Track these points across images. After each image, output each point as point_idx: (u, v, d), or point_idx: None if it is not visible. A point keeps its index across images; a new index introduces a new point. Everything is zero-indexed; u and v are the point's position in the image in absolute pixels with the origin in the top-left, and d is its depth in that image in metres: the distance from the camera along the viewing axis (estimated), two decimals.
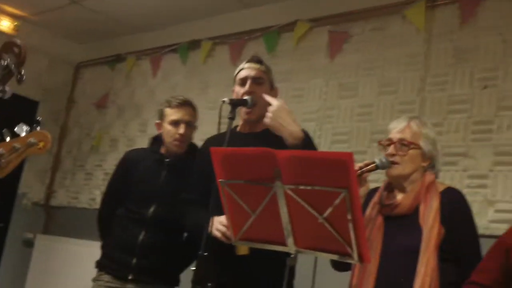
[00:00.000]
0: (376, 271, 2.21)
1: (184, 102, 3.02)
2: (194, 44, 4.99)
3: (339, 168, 1.65)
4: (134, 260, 2.91)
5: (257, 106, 2.51)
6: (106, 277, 2.98)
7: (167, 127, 3.00)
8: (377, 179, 2.59)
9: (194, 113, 3.07)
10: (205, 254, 2.11)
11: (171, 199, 2.82)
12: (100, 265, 3.07)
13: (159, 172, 3.03)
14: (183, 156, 3.02)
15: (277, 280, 1.96)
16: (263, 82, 2.59)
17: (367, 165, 2.28)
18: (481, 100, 3.32)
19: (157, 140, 3.14)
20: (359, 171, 2.25)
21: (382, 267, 2.21)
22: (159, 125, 3.08)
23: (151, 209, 2.96)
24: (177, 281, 3.06)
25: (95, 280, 3.04)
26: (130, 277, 2.90)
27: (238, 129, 2.66)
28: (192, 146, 3.10)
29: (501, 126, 3.21)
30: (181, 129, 2.96)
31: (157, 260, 2.93)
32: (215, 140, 2.58)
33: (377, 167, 2.29)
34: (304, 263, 2.14)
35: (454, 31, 3.53)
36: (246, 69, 2.60)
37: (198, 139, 2.91)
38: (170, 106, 3.01)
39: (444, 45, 3.56)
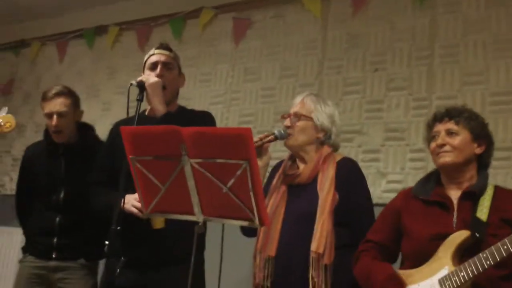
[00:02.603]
0: (279, 235, 2.41)
1: (55, 94, 3.05)
2: (101, 30, 4.99)
3: (239, 142, 1.82)
4: (55, 240, 3.07)
5: (166, 91, 2.63)
6: (30, 258, 3.14)
7: (45, 119, 3.11)
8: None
9: (68, 101, 3.08)
10: (118, 228, 2.21)
11: (77, 182, 2.97)
12: (25, 249, 3.23)
13: (59, 161, 3.13)
14: (77, 139, 3.14)
15: (189, 251, 2.04)
16: (172, 67, 2.72)
17: (267, 136, 2.50)
18: (372, 82, 3.62)
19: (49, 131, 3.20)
20: (260, 141, 2.46)
21: (283, 231, 2.42)
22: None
23: (61, 195, 3.09)
24: (100, 256, 3.14)
25: (20, 261, 3.21)
26: (53, 255, 3.06)
27: (146, 113, 2.74)
28: (82, 126, 3.20)
29: (390, 105, 3.53)
30: (54, 121, 3.04)
31: (76, 238, 3.07)
32: (124, 123, 2.62)
33: (276, 138, 2.52)
34: (213, 231, 2.30)
35: (347, 19, 3.81)
36: (156, 55, 2.71)
37: (109, 124, 2.97)
38: (43, 99, 3.09)
39: (339, 32, 3.83)
